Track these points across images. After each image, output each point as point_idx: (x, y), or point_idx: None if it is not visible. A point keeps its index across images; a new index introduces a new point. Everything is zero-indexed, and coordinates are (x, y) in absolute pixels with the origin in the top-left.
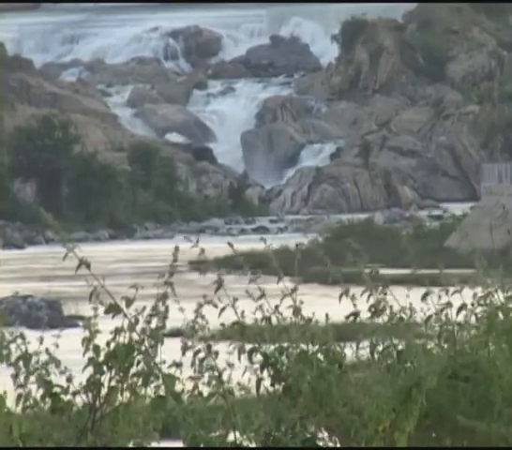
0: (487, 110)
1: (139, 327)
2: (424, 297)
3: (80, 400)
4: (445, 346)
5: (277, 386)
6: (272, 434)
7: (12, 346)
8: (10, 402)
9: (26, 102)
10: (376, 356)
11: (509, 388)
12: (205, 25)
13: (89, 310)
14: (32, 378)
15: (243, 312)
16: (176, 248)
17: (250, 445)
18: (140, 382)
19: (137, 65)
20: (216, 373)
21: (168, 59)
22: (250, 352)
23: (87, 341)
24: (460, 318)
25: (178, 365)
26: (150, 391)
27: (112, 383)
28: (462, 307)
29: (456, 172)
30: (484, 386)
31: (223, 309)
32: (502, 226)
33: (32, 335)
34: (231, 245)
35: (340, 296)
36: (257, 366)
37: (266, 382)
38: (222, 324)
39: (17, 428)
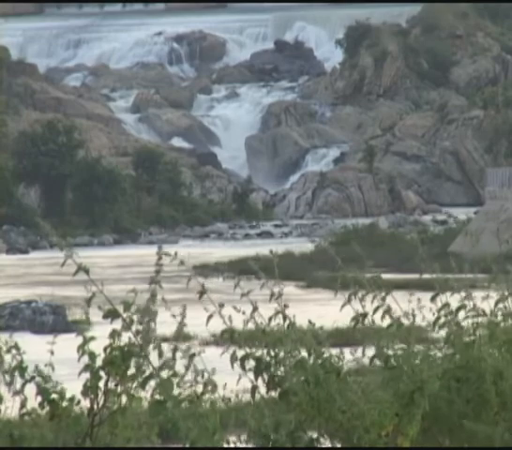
0: (491, 114)
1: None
2: (433, 298)
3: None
4: (446, 350)
5: (272, 393)
6: (271, 437)
7: (7, 356)
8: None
9: (30, 107)
10: (376, 361)
11: (510, 392)
12: (210, 30)
13: (93, 315)
14: (28, 386)
15: (230, 318)
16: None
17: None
18: (136, 385)
19: (141, 69)
20: (205, 376)
21: (172, 64)
22: (243, 359)
23: (81, 348)
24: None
25: (172, 368)
26: (147, 394)
27: (110, 387)
28: (477, 316)
29: (460, 176)
30: (477, 385)
31: (211, 317)
32: (506, 231)
33: (36, 339)
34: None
35: (345, 304)
36: (251, 372)
37: (261, 389)
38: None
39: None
